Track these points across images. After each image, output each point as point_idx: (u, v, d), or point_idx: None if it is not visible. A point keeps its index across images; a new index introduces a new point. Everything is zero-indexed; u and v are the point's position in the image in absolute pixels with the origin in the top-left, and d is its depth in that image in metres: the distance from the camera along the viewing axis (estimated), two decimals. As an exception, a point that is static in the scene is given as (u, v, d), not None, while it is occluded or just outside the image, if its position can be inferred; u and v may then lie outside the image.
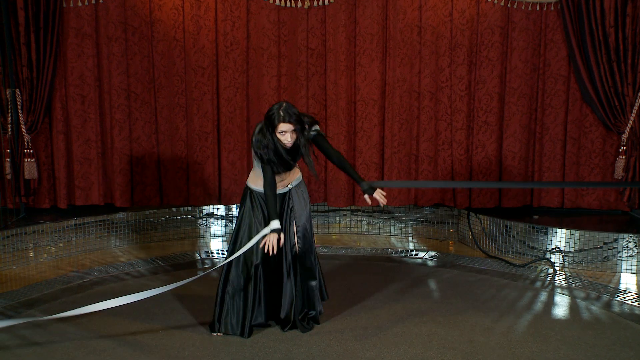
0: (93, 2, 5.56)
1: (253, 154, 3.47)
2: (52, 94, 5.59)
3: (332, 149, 3.53)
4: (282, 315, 3.62)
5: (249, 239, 3.50)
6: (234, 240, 3.58)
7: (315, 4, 5.74)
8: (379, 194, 3.43)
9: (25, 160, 5.49)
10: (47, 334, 3.53)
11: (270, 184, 3.43)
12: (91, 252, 5.42)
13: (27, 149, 5.50)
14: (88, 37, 5.61)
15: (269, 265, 3.58)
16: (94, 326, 3.64)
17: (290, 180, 3.63)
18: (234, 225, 3.69)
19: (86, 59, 5.64)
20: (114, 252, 5.43)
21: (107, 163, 5.83)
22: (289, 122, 3.29)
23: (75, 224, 5.40)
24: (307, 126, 3.42)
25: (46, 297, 4.17)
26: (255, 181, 3.58)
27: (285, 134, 3.32)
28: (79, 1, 5.53)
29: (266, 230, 3.39)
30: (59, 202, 5.74)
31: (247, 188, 3.64)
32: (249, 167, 6.01)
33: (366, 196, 3.48)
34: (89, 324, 3.67)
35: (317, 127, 3.47)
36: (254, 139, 3.41)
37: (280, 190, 3.59)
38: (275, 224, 3.37)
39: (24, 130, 5.47)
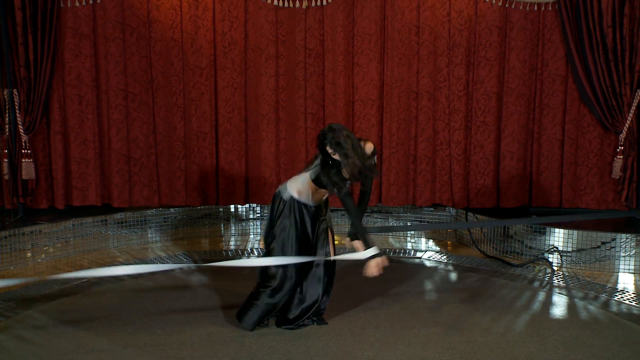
0: (91, 2, 5.55)
1: (324, 172, 3.41)
2: (50, 94, 5.58)
3: None
4: (294, 315, 3.65)
5: (281, 250, 3.57)
6: (268, 244, 3.64)
7: (313, 4, 5.74)
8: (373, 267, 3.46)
9: (23, 160, 5.48)
10: (46, 335, 3.52)
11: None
12: (89, 252, 5.41)
13: (24, 150, 5.49)
14: (86, 37, 5.60)
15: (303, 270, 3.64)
16: (92, 326, 3.64)
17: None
18: (268, 226, 3.68)
19: (84, 59, 5.63)
20: (111, 253, 5.42)
21: (104, 163, 5.83)
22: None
23: (73, 225, 5.39)
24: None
25: (44, 298, 4.16)
26: (300, 192, 3.59)
27: None
28: (77, 1, 5.52)
29: (363, 254, 3.40)
30: (56, 202, 5.73)
31: (291, 198, 3.59)
32: (247, 168, 6.02)
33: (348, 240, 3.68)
34: (86, 324, 3.67)
35: None
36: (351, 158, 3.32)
37: (318, 202, 3.67)
38: (374, 249, 3.39)
39: (21, 130, 5.46)
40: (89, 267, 4.91)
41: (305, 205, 3.61)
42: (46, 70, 5.44)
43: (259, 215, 6.15)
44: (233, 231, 6.09)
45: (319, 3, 5.73)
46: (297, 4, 5.74)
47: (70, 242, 5.35)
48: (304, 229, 3.61)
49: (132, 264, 5.00)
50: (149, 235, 5.79)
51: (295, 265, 3.56)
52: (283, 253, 3.56)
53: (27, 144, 5.50)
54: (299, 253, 3.58)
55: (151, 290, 4.34)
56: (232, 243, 5.79)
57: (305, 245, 3.62)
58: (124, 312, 3.89)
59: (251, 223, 6.14)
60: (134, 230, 5.72)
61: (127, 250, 5.49)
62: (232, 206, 6.09)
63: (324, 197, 3.68)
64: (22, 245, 5.07)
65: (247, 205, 6.12)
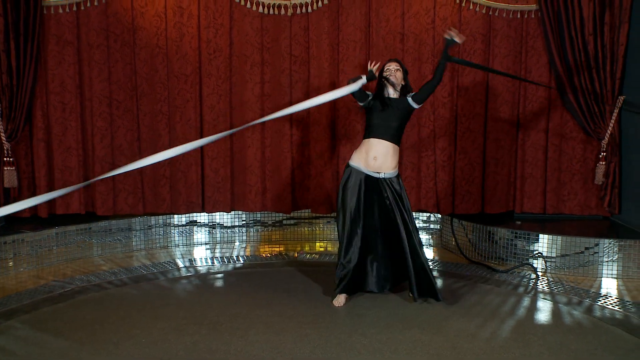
0: (74, 9, 5.52)
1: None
2: (33, 102, 5.52)
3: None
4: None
5: (345, 217, 4.21)
6: (341, 217, 4.25)
7: (298, 11, 5.75)
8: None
9: (5, 168, 5.42)
10: (26, 346, 3.47)
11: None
12: (72, 261, 5.36)
13: (7, 157, 5.42)
14: (69, 44, 5.56)
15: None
16: (76, 336, 3.60)
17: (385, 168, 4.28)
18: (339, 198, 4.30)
19: (67, 66, 5.58)
20: (95, 261, 5.37)
21: (88, 171, 5.77)
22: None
23: (56, 233, 5.33)
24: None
25: (26, 307, 4.10)
26: (353, 157, 4.35)
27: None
28: (60, 8, 5.48)
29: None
30: (39, 210, 5.66)
31: (348, 167, 4.32)
32: (233, 175, 6.00)
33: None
34: (70, 334, 3.63)
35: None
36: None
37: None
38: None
39: (3, 138, 5.40)
40: (72, 276, 4.86)
41: (358, 170, 4.28)
42: (29, 77, 5.39)
43: (244, 222, 6.12)
44: (219, 238, 6.06)
45: (304, 10, 5.75)
46: (283, 11, 5.75)
47: (53, 251, 5.29)
48: (354, 191, 4.23)
49: (117, 272, 4.96)
50: (134, 244, 5.75)
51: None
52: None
53: (10, 152, 5.44)
54: (353, 212, 4.22)
55: (136, 299, 4.31)
56: (217, 250, 5.76)
57: (357, 208, 4.22)
58: (108, 321, 3.85)
59: (236, 230, 6.11)
60: (117, 238, 5.67)
61: (112, 259, 5.44)
62: (217, 214, 6.06)
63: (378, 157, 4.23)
64: (4, 255, 5.01)
65: (232, 213, 6.09)
